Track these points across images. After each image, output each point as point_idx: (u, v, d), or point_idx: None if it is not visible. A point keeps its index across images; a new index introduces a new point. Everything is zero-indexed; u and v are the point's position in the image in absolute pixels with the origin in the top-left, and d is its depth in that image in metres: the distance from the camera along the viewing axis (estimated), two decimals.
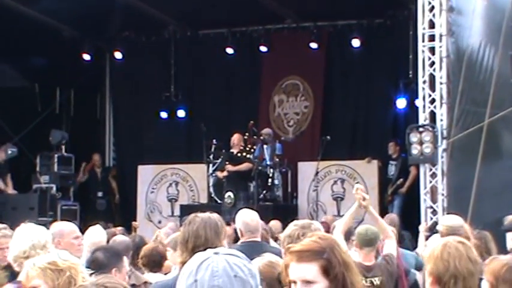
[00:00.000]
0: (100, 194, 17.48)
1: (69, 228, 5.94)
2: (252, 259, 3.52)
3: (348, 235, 7.54)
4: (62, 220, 12.01)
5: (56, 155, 16.59)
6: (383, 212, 14.00)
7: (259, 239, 6.54)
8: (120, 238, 7.23)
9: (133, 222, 15.23)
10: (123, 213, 17.15)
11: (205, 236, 4.65)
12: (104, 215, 16.06)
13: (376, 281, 6.77)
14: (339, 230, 6.83)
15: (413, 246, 11.48)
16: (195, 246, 4.48)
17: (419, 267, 9.71)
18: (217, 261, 2.09)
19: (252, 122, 15.33)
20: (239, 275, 2.09)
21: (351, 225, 8.02)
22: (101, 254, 5.21)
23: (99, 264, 4.98)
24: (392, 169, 15.27)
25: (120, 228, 10.06)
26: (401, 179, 14.98)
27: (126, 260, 5.45)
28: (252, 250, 6.04)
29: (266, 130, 15.87)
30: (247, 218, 6.56)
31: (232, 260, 2.11)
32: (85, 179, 17.52)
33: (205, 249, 2.22)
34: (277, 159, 15.30)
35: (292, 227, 4.61)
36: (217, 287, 2.08)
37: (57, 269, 3.69)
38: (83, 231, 6.60)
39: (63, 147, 16.72)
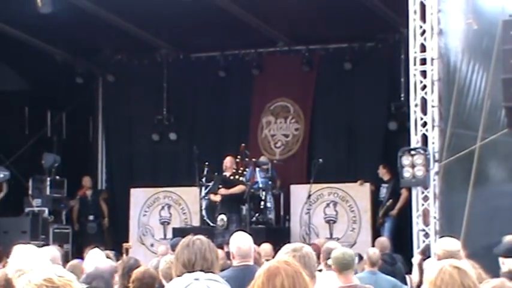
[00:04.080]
0: (91, 217, 17.41)
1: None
2: (243, 283, 3.54)
3: (327, 256, 7.58)
4: (54, 244, 12.00)
5: (48, 179, 16.57)
6: (376, 235, 14.05)
7: (251, 263, 6.54)
8: (106, 263, 7.20)
9: (125, 244, 15.19)
10: (114, 237, 17.10)
11: (211, 259, 4.66)
12: (95, 238, 15.98)
13: None
14: None
15: (406, 269, 11.50)
16: (202, 270, 4.47)
17: None
18: (198, 287, 2.08)
19: (243, 145, 15.37)
20: None
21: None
22: (99, 283, 5.19)
23: None
24: (383, 191, 15.30)
25: (108, 252, 10.00)
26: (390, 200, 14.99)
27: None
28: (243, 274, 6.05)
29: (262, 158, 15.89)
30: (239, 242, 6.57)
31: (212, 285, 2.10)
32: (76, 203, 17.44)
33: (206, 272, 2.22)
34: (269, 182, 15.33)
35: (285, 250, 4.62)
36: None
37: (53, 286, 3.67)
38: (75, 254, 6.61)
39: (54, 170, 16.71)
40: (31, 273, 3.82)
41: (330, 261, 7.08)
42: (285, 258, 3.90)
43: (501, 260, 7.08)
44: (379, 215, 15.15)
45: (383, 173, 15.21)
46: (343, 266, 6.95)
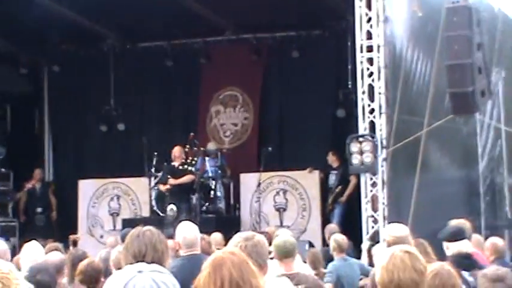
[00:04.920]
0: (39, 209, 17.20)
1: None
2: (191, 272, 3.53)
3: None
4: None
5: None
6: (325, 222, 14.14)
7: (198, 252, 6.54)
8: (54, 255, 7.12)
9: (72, 236, 15.02)
10: (64, 229, 16.91)
11: (161, 250, 4.64)
12: (43, 231, 15.79)
13: None
14: None
15: (356, 256, 11.59)
16: (153, 261, 4.44)
17: (363, 275, 9.83)
18: (142, 280, 2.05)
19: (192, 134, 15.33)
20: None
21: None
22: (43, 276, 5.13)
23: (42, 286, 4.90)
24: (332, 178, 15.37)
25: (56, 244, 9.89)
26: (339, 187, 15.08)
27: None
28: (191, 263, 6.05)
29: (210, 144, 15.89)
30: (185, 232, 6.57)
31: (156, 277, 2.08)
32: (24, 195, 17.21)
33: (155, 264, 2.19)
34: (219, 171, 15.32)
35: (236, 239, 4.61)
36: None
37: None
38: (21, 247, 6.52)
39: None
40: None
41: (270, 249, 7.07)
42: (231, 248, 3.90)
43: (445, 244, 7.19)
44: (329, 201, 15.22)
45: (332, 160, 15.29)
46: (284, 254, 6.95)
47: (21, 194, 17.07)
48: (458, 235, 7.18)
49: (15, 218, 16.71)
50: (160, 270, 2.12)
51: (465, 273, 6.41)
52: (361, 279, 9.78)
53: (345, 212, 14.95)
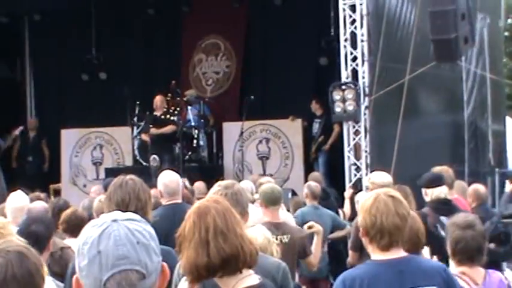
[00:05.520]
0: (30, 158, 17.17)
1: None
2: (173, 221, 3.54)
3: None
4: None
5: None
6: (309, 170, 14.17)
7: (179, 201, 6.53)
8: (37, 205, 7.12)
9: (52, 185, 14.97)
10: (47, 179, 16.89)
11: (144, 199, 4.64)
12: (33, 180, 15.69)
13: (285, 238, 6.85)
14: None
15: (339, 203, 11.66)
16: (136, 210, 4.45)
17: (336, 227, 9.86)
18: (118, 229, 2.03)
19: (174, 82, 15.24)
20: (141, 241, 2.05)
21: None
22: (38, 227, 5.11)
23: (37, 237, 4.87)
24: (316, 127, 15.35)
25: (38, 193, 9.87)
26: (322, 136, 15.09)
27: None
28: (173, 212, 6.06)
29: (190, 91, 15.84)
30: (166, 180, 6.55)
31: (132, 225, 2.05)
32: (17, 142, 17.16)
33: (138, 213, 2.17)
34: (202, 120, 15.28)
35: (216, 187, 4.61)
36: (123, 256, 2.03)
37: None
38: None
39: None
40: None
41: (256, 196, 7.08)
42: (215, 197, 3.90)
43: (424, 190, 7.26)
44: (312, 150, 15.24)
45: (316, 108, 15.27)
46: (271, 201, 6.95)
47: (9, 140, 16.95)
48: (436, 181, 7.25)
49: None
50: (135, 218, 2.09)
51: (443, 219, 6.48)
52: (333, 231, 9.77)
53: (329, 160, 14.98)
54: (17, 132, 16.75)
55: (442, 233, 6.03)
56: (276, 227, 6.76)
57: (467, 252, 4.55)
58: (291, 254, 6.70)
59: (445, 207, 6.93)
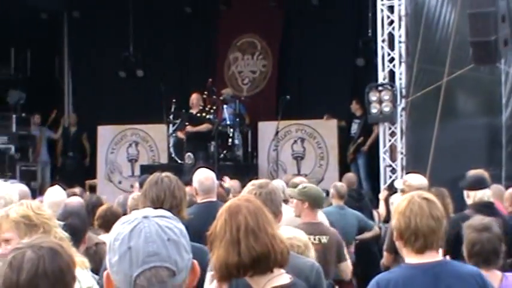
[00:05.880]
0: (71, 153, 17.36)
1: None
2: (207, 219, 3.53)
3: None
4: (21, 182, 11.92)
5: (14, 116, 16.40)
6: (343, 171, 14.11)
7: (214, 199, 6.52)
8: (74, 200, 7.17)
9: (88, 181, 15.08)
10: (84, 175, 17.03)
11: (179, 196, 4.65)
12: (73, 176, 15.85)
13: (324, 239, 6.88)
14: None
15: (374, 205, 11.60)
16: (171, 207, 4.46)
17: (362, 228, 9.77)
18: (149, 226, 2.03)
19: (210, 80, 15.26)
20: (172, 238, 2.04)
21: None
22: (74, 220, 5.15)
23: (74, 230, 4.90)
24: (355, 127, 15.28)
25: (75, 189, 9.96)
26: (361, 137, 15.02)
27: None
28: (208, 210, 6.04)
29: (226, 90, 15.84)
30: (201, 177, 6.54)
31: (163, 222, 2.05)
32: (59, 136, 17.43)
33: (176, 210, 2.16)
34: (237, 119, 15.28)
35: (250, 187, 4.59)
36: (153, 252, 2.02)
37: (31, 224, 3.66)
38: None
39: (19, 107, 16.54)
40: (8, 208, 3.78)
41: (300, 196, 7.05)
42: (247, 195, 3.89)
43: (466, 192, 7.17)
44: (350, 151, 15.16)
45: (356, 108, 15.19)
46: (319, 204, 7.03)
47: (59, 132, 17.25)
48: (480, 183, 7.15)
49: (35, 163, 16.83)
50: (166, 215, 2.08)
51: None
52: (360, 233, 9.67)
53: (368, 162, 14.85)
54: (53, 114, 16.96)
55: None
56: (315, 227, 6.81)
57: (483, 255, 4.53)
58: (329, 254, 6.75)
59: (488, 210, 6.84)
